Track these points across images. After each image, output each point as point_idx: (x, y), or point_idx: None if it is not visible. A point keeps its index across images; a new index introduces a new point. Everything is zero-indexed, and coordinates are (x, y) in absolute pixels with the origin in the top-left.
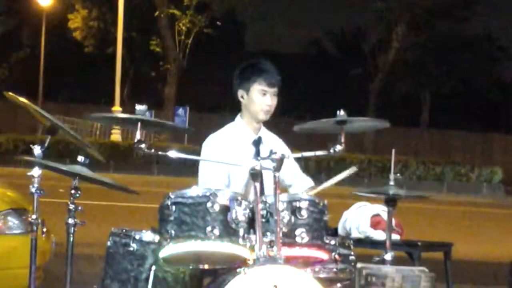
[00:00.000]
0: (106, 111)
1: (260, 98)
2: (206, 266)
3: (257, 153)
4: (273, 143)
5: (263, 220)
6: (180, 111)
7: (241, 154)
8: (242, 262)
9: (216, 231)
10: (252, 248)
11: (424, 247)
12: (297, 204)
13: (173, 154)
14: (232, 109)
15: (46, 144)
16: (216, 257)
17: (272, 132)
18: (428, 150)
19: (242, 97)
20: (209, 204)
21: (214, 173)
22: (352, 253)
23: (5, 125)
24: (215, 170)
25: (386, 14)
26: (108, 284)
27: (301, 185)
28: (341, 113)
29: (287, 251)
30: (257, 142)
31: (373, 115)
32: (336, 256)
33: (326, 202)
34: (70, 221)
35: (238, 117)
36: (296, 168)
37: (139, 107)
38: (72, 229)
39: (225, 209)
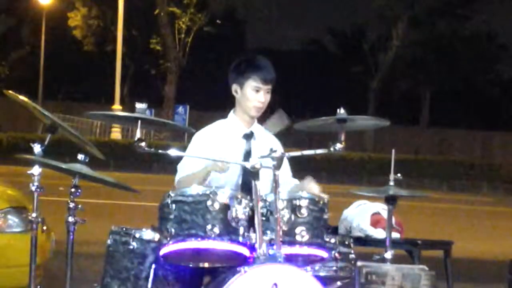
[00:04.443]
0: (106, 109)
1: (253, 94)
2: (206, 265)
3: (248, 148)
4: (266, 139)
5: (263, 218)
6: (180, 109)
7: (230, 147)
8: (242, 261)
9: (216, 230)
10: (252, 247)
11: (424, 246)
12: (297, 202)
13: (173, 152)
14: (231, 107)
15: (46, 142)
16: (216, 256)
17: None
18: (428, 148)
19: (236, 91)
20: (209, 203)
21: (188, 165)
22: (352, 251)
23: (5, 123)
24: (189, 162)
25: (386, 12)
26: (108, 282)
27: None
28: (341, 111)
29: (287, 250)
30: (248, 136)
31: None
32: (336, 255)
33: (326, 200)
34: (70, 219)
35: (231, 113)
36: (287, 170)
37: (139, 106)
38: (72, 227)
39: (225, 208)
